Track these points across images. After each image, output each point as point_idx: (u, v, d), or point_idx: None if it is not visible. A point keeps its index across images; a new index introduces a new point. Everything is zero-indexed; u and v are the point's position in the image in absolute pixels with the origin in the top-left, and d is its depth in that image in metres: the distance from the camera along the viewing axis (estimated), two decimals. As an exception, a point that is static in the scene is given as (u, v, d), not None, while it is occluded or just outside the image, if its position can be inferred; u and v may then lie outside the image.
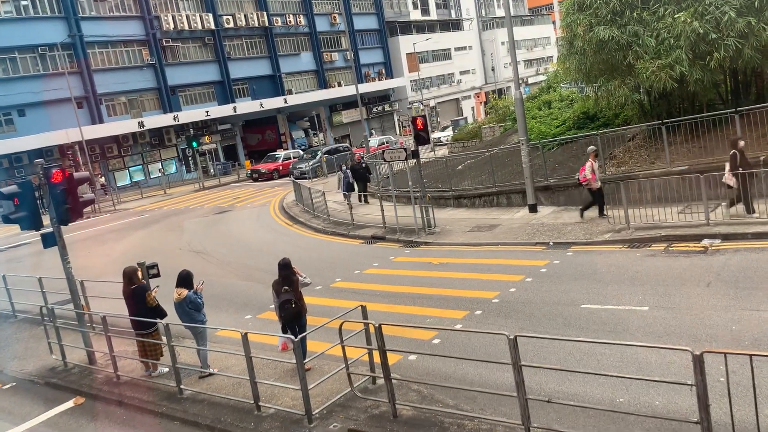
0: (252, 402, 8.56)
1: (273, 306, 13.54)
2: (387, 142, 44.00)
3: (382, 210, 19.43)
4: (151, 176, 49.90)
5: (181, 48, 51.76)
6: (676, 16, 15.57)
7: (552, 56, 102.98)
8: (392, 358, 9.71)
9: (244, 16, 55.43)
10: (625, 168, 17.85)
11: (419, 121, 17.86)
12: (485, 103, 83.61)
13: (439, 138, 52.86)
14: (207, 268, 17.85)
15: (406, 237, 18.08)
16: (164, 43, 49.91)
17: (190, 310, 9.85)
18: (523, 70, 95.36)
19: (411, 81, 75.07)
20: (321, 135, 58.27)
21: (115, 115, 47.94)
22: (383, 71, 72.37)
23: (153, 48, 49.28)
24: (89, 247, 24.46)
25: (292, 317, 9.53)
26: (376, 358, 8.79)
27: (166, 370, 10.42)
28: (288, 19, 59.64)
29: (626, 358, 8.53)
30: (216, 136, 54.24)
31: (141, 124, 47.24)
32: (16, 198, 10.48)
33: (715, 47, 15.18)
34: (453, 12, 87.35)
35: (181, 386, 9.46)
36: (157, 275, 11.49)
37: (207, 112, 51.59)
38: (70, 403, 10.11)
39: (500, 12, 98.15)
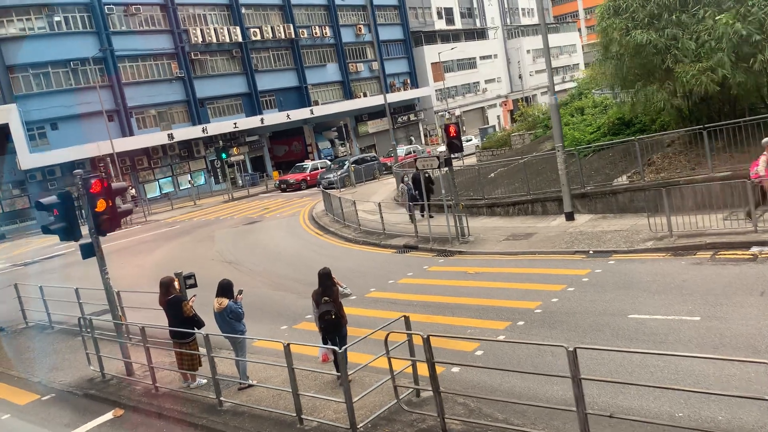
0: (294, 415, 8.38)
1: (309, 316, 13.52)
2: (414, 152, 43.80)
3: (413, 220, 19.21)
4: (181, 188, 50.36)
5: (209, 61, 52.30)
6: (717, 18, 15.21)
7: (578, 63, 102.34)
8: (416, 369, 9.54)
9: (271, 28, 55.86)
10: (664, 174, 17.42)
11: (452, 129, 17.65)
12: (512, 111, 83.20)
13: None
14: (240, 278, 17.73)
15: (440, 246, 17.84)
16: (193, 56, 50.47)
17: (231, 320, 9.74)
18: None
19: (436, 90, 75.02)
20: (348, 145, 58.24)
21: (145, 127, 48.51)
22: (408, 81, 72.39)
23: (182, 61, 49.85)
24: (122, 258, 24.61)
25: (332, 328, 9.35)
26: (420, 371, 8.61)
27: (204, 381, 10.31)
28: (314, 31, 59.97)
29: (681, 371, 8.19)
30: (244, 147, 54.61)
31: (170, 137, 47.73)
32: (55, 209, 10.47)
33: (759, 49, 14.77)
34: (478, 21, 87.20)
35: (221, 398, 9.33)
36: (194, 285, 11.40)
37: (235, 124, 51.96)
38: (109, 415, 10.04)
39: (525, 20, 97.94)
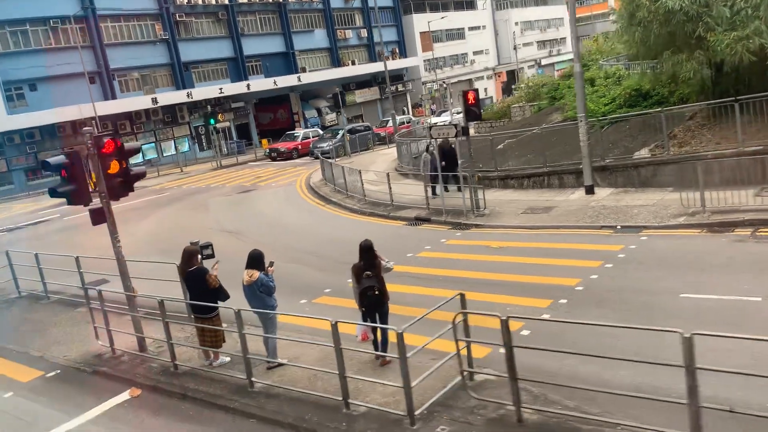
0: (340, 399, 7.66)
1: (328, 290, 12.78)
2: (408, 122, 42.79)
3: (426, 191, 18.45)
4: (164, 154, 48.88)
5: (194, 23, 50.46)
6: (755, -16, 14.50)
7: (565, 37, 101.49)
8: (481, 351, 8.88)
9: (258, -10, 54.10)
10: (688, 148, 16.85)
11: (471, 95, 16.82)
12: (505, 83, 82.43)
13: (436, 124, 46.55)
14: (245, 248, 16.81)
15: (454, 219, 17.13)
16: (177, 18, 48.61)
17: (261, 294, 8.95)
18: (536, 51, 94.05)
19: (424, 61, 73.80)
20: (341, 114, 57.05)
21: (127, 91, 46.80)
22: (397, 50, 70.97)
23: (166, 22, 47.99)
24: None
25: (375, 305, 8.63)
26: (472, 353, 7.96)
27: (228, 359, 9.55)
28: (302, -5, 58.27)
29: (759, 355, 7.61)
30: (229, 114, 53.10)
31: (154, 101, 46.09)
32: (63, 170, 9.50)
33: (799, 17, 14.13)
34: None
35: (252, 378, 8.58)
36: (212, 256, 10.56)
37: (221, 89, 50.37)
38: (125, 395, 9.23)
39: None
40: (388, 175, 20.01)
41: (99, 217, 9.79)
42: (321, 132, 43.74)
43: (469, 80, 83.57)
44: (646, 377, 7.40)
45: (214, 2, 50.83)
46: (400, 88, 71.35)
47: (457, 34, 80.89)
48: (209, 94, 49.85)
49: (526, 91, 33.41)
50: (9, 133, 40.84)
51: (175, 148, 49.73)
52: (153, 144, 48.74)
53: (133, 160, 41.42)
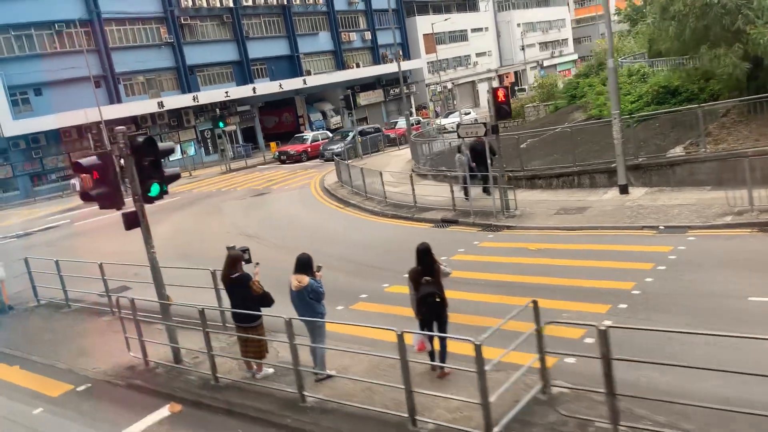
0: (405, 415, 7.11)
1: (364, 295, 12.24)
2: (418, 123, 42.28)
3: (452, 192, 17.91)
4: (170, 159, 48.25)
5: (199, 26, 50.00)
6: (799, -25, 14.01)
7: (567, 39, 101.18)
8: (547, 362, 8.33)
9: (263, -7, 53.63)
10: (725, 146, 16.34)
11: (501, 93, 16.29)
12: (513, 84, 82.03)
13: (444, 126, 43.37)
14: (268, 253, 16.36)
15: (483, 220, 16.60)
16: (182, 21, 48.15)
17: (311, 300, 8.41)
18: (538, 52, 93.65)
19: (428, 63, 73.40)
20: (345, 116, 56.43)
21: (133, 95, 46.28)
22: (400, 52, 70.44)
23: (171, 26, 47.51)
24: (122, 231, 22.96)
25: (435, 312, 8.09)
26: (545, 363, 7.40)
27: (272, 371, 9.01)
28: (306, -3, 57.80)
29: None
30: (234, 118, 52.61)
31: (161, 105, 45.59)
32: (95, 171, 8.96)
33: None
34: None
35: (304, 392, 8.02)
36: (248, 261, 10.00)
37: (227, 92, 49.90)
38: (164, 411, 8.67)
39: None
40: (411, 176, 19.53)
41: (132, 221, 9.26)
42: (330, 134, 43.19)
43: (472, 82, 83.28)
44: (736, 389, 6.86)
45: (219, 5, 50.35)
46: (405, 90, 70.92)
47: (460, 36, 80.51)
48: (215, 97, 49.38)
49: (539, 91, 32.88)
50: (14, 138, 40.33)
51: (182, 152, 49.16)
52: (159, 148, 48.16)
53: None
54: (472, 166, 17.23)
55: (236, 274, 8.69)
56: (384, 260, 14.20)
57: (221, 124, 39.96)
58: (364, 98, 65.10)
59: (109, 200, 9.06)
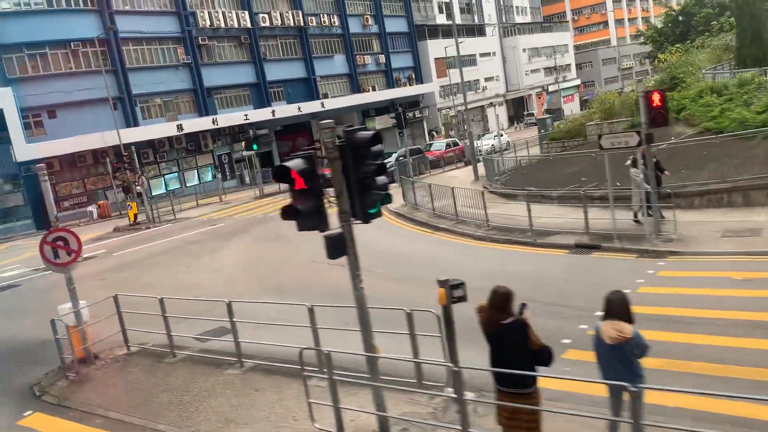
0: None
1: (567, 341, 9.84)
2: (455, 145, 40.22)
3: (586, 213, 15.64)
4: (187, 184, 45.76)
5: (216, 47, 47.97)
6: None
7: (570, 64, 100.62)
8: None
9: (280, 14, 51.85)
10: None
11: (656, 96, 14.18)
12: (546, 103, 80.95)
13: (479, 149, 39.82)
14: (381, 286, 14.02)
15: (634, 245, 14.35)
16: (200, 42, 46.10)
17: (633, 358, 6.02)
18: (543, 77, 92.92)
19: (440, 87, 72.00)
20: (403, 135, 54.26)
21: (150, 117, 43.90)
22: (413, 76, 69.04)
23: (188, 46, 45.44)
24: (179, 261, 20.47)
25: None
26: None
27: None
28: (322, 19, 56.18)
29: None
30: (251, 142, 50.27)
31: (180, 128, 43.24)
32: (302, 179, 6.53)
33: None
34: (476, 17, 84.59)
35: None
36: (463, 299, 7.63)
37: (246, 115, 47.74)
38: None
39: (520, 18, 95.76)
40: (526, 195, 17.22)
41: (338, 247, 6.81)
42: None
43: (482, 107, 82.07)
44: None
45: (236, 25, 48.48)
46: (417, 114, 69.22)
47: (469, 61, 79.35)
48: (234, 120, 47.20)
49: (600, 108, 31.02)
50: (26, 163, 37.57)
51: (199, 177, 46.75)
52: (176, 174, 45.70)
53: (155, 191, 38.29)
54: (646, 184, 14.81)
55: (509, 320, 6.27)
56: (548, 294, 11.83)
57: (255, 147, 37.57)
58: (379, 122, 63.22)
59: (314, 218, 6.63)
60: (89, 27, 39.92)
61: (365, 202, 6.72)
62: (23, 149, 36.19)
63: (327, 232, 6.88)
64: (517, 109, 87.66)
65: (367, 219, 6.90)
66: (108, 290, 17.29)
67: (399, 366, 8.70)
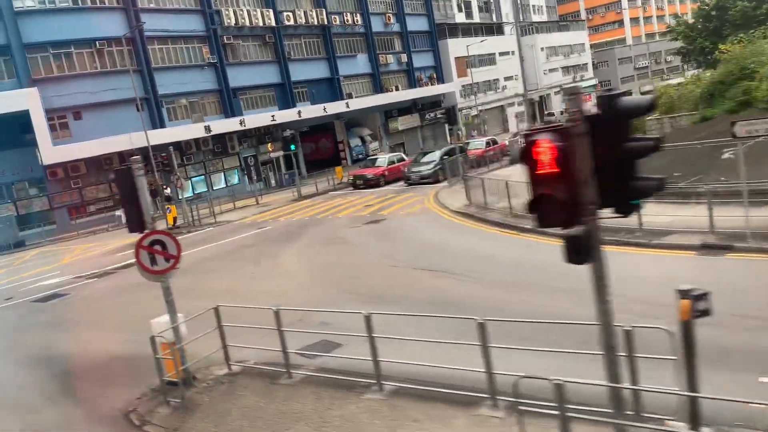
0: None
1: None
2: (494, 143, 38.70)
3: (711, 210, 14.10)
4: (214, 187, 44.31)
5: (241, 46, 46.60)
6: None
7: (587, 63, 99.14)
8: None
9: (303, 13, 50.53)
10: None
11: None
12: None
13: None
14: (495, 296, 12.56)
15: (772, 244, 12.82)
16: (225, 41, 44.72)
17: None
18: (561, 77, 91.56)
19: (462, 86, 70.63)
20: (460, 131, 52.66)
21: (176, 119, 42.50)
22: (434, 75, 67.60)
23: (213, 45, 44.06)
24: (237, 266, 19.03)
25: None
26: None
27: None
28: (345, 18, 54.84)
29: None
30: (277, 143, 48.88)
31: (207, 129, 41.79)
32: (555, 159, 5.02)
33: None
34: (494, 16, 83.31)
35: None
36: (708, 312, 6.16)
37: (273, 116, 46.32)
38: None
39: (536, 17, 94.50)
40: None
41: (581, 251, 5.31)
42: (404, 156, 39.46)
43: (501, 107, 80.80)
44: None
45: (261, 24, 47.12)
46: (439, 115, 67.79)
47: (489, 60, 78.13)
48: (261, 121, 45.77)
49: (662, 101, 29.49)
50: (51, 166, 36.23)
51: (225, 180, 45.31)
52: (203, 176, 44.27)
53: (181, 194, 36.49)
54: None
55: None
56: (731, 305, 10.08)
57: (293, 147, 36.16)
58: (402, 123, 61.84)
59: (565, 213, 5.14)
60: (115, 25, 38.53)
61: (627, 189, 5.22)
62: (50, 152, 34.78)
63: (569, 232, 5.37)
64: (536, 110, 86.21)
65: (627, 211, 5.39)
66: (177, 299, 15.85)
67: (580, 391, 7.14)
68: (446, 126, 69.57)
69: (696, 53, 55.63)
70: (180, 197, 32.06)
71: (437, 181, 31.71)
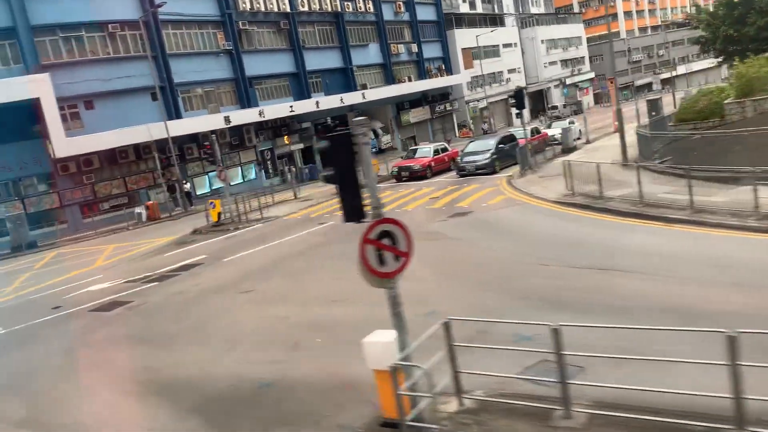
0: None
1: None
2: (538, 133, 36.41)
3: None
4: (232, 182, 41.27)
5: (256, 33, 43.80)
6: None
7: (584, 56, 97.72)
8: None
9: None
10: None
11: None
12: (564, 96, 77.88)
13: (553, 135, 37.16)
14: (689, 294, 10.25)
15: None
16: (240, 26, 41.85)
17: None
18: (560, 70, 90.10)
19: (471, 77, 68.59)
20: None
21: (192, 109, 39.53)
22: (443, 67, 65.33)
23: (228, 31, 41.16)
24: (325, 267, 16.61)
25: None
26: None
27: None
28: (358, 5, 52.24)
29: None
30: (294, 135, 46.16)
31: (227, 120, 38.93)
32: None
33: None
34: (495, 7, 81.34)
35: None
36: None
37: (291, 107, 43.60)
38: None
39: (535, 9, 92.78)
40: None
41: None
42: (448, 146, 37.01)
43: (506, 99, 78.85)
44: None
45: (276, 9, 44.33)
46: (448, 107, 65.54)
47: (493, 52, 76.25)
48: (279, 112, 43.08)
49: (736, 84, 27.51)
50: (61, 160, 33.08)
51: (242, 175, 42.41)
52: (219, 171, 41.22)
53: (199, 190, 33.60)
54: None
55: None
56: None
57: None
58: (413, 115, 59.49)
59: None
60: (127, 7, 35.53)
61: None
62: (63, 144, 31.65)
63: None
64: (536, 103, 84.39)
65: None
66: (264, 305, 13.27)
67: None
68: (454, 118, 67.41)
69: (720, 42, 54.02)
70: (225, 191, 29.15)
71: (494, 172, 29.34)
